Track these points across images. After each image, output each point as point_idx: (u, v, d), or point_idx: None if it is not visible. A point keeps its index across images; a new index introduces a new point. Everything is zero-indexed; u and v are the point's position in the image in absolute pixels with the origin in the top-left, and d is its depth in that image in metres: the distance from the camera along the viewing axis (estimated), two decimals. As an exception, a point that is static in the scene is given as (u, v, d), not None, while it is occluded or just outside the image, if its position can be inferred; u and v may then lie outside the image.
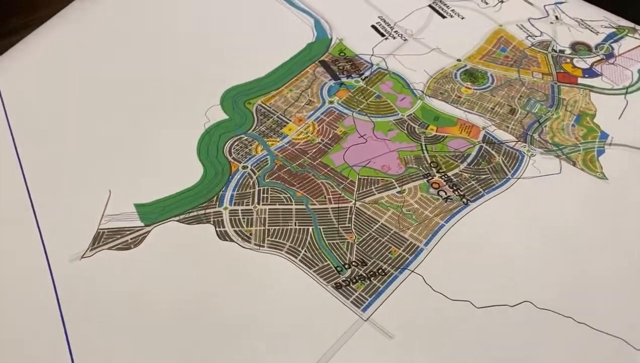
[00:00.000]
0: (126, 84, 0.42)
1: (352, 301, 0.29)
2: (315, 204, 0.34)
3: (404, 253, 0.32)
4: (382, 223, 0.33)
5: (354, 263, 0.31)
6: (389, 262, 0.31)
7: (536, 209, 0.34)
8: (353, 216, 0.33)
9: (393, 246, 0.32)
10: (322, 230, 0.32)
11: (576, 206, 0.35)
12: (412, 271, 0.31)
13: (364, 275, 0.30)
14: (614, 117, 0.40)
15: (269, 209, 0.33)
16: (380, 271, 0.31)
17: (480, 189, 0.35)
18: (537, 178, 0.36)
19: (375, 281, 0.30)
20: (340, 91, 0.42)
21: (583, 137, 0.39)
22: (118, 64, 0.43)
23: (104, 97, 0.41)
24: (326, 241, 0.32)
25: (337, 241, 0.32)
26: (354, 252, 0.31)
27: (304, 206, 0.34)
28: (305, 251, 0.31)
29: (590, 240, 0.33)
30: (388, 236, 0.32)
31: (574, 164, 0.37)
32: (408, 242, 0.32)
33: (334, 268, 0.31)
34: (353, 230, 0.33)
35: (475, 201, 0.35)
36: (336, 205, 0.34)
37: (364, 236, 0.32)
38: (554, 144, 0.38)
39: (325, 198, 0.34)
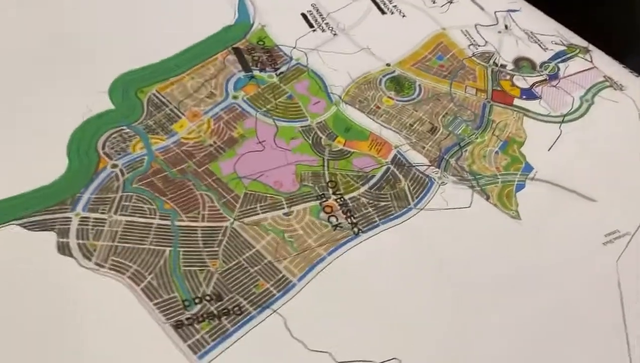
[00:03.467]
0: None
1: (189, 345, 0.25)
2: (183, 221, 0.30)
3: (271, 289, 0.28)
4: (257, 250, 0.29)
5: (207, 297, 0.27)
6: (250, 298, 0.27)
7: (433, 248, 0.31)
8: (226, 238, 0.29)
9: (262, 279, 0.28)
10: (181, 253, 0.28)
11: (479, 249, 0.31)
12: (275, 311, 0.27)
13: (215, 312, 0.26)
14: (544, 148, 0.37)
15: (125, 221, 0.29)
16: (236, 309, 0.27)
17: (376, 218, 0.31)
18: (443, 211, 0.32)
19: (225, 322, 0.26)
20: (248, 85, 0.37)
21: (505, 167, 0.35)
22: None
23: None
24: (182, 268, 0.28)
25: (197, 268, 0.28)
26: (212, 283, 0.27)
27: (168, 222, 0.29)
28: (152, 278, 0.27)
29: (486, 289, 0.30)
30: (259, 266, 0.29)
31: (488, 199, 0.33)
32: (280, 275, 0.28)
33: (180, 302, 0.27)
34: (220, 255, 0.29)
35: (367, 232, 0.31)
36: (209, 224, 0.30)
37: (230, 264, 0.28)
38: (470, 172, 0.34)
39: (199, 214, 0.30)
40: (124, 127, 0.34)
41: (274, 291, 0.28)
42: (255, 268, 0.28)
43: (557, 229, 0.32)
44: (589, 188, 0.34)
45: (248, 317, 0.27)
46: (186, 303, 0.27)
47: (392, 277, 0.29)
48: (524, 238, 0.32)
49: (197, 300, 0.27)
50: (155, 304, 0.26)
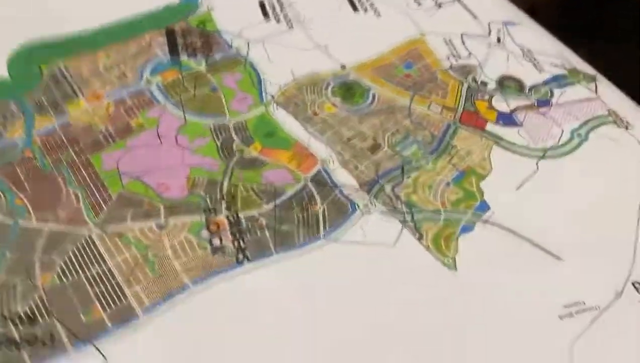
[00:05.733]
0: None
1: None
2: (30, 221, 0.24)
3: (106, 319, 0.22)
4: (109, 267, 0.23)
5: (16, 319, 0.21)
6: (74, 327, 0.21)
7: (334, 293, 0.24)
8: (75, 247, 0.24)
9: (98, 304, 0.22)
10: (7, 257, 0.23)
11: (394, 302, 0.24)
12: (97, 348, 0.21)
13: (16, 339, 0.21)
14: (510, 187, 0.30)
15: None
16: (49, 339, 0.21)
17: (272, 246, 0.25)
18: (358, 247, 0.26)
19: (25, 355, 0.20)
20: (168, 70, 0.32)
21: (454, 203, 0.28)
22: None
23: None
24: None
25: (19, 279, 0.22)
26: (31, 300, 0.22)
27: (11, 221, 0.24)
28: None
29: (396, 353, 0.23)
30: (103, 287, 0.23)
31: (420, 238, 0.27)
32: (125, 303, 0.22)
33: (-24, 320, 0.21)
34: (58, 267, 0.23)
35: (255, 261, 0.25)
36: (61, 227, 0.24)
37: (66, 281, 0.23)
38: (406, 203, 0.28)
39: (53, 214, 0.25)
40: (10, 102, 0.29)
41: (108, 323, 0.22)
42: (97, 289, 0.23)
43: (502, 289, 0.25)
44: (557, 244, 0.27)
45: (57, 353, 0.21)
46: (-15, 323, 0.21)
47: (268, 324, 0.23)
48: (455, 294, 0.25)
49: (-1, 321, 0.21)
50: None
